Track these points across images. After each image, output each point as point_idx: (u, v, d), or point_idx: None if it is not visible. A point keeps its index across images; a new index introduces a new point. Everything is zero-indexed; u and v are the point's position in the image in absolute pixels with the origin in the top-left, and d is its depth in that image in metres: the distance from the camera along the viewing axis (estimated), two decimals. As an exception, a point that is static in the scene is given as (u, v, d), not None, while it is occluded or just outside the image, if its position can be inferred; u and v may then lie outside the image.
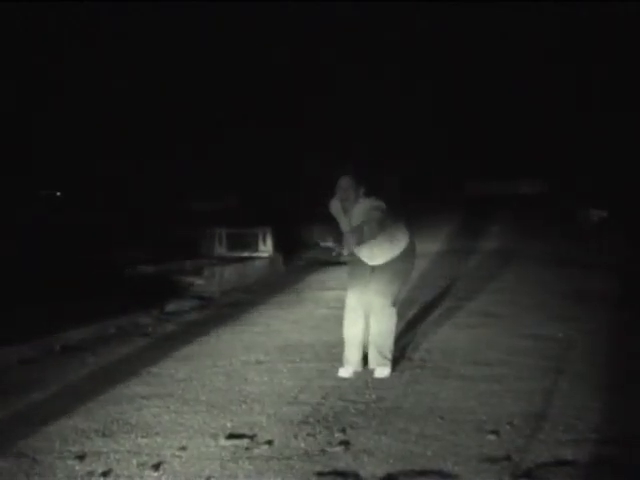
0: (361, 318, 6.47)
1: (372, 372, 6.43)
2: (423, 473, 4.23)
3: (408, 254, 6.55)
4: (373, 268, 6.50)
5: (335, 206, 6.56)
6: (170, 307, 10.25)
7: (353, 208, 6.34)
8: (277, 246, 14.93)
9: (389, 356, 6.44)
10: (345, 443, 4.72)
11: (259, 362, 6.84)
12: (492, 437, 4.73)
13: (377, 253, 6.43)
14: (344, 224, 6.47)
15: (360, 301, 6.48)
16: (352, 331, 6.49)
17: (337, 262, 13.59)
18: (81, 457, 4.66)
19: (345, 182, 6.35)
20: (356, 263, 6.59)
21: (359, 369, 6.49)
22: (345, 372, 6.47)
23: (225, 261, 14.19)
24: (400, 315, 6.87)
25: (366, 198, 6.32)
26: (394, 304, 6.49)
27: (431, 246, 15.55)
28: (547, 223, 18.51)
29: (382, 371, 6.38)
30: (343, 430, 4.97)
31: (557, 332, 7.56)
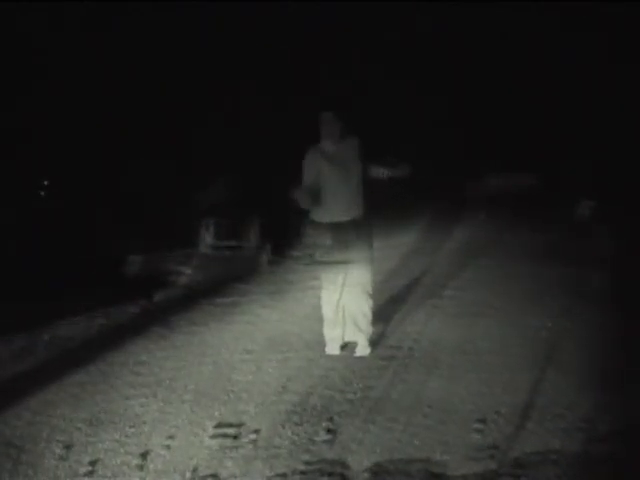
0: (339, 292, 6.53)
1: (353, 352, 6.59)
2: (411, 462, 4.24)
3: (369, 212, 6.61)
4: (344, 239, 6.47)
5: (314, 155, 6.51)
6: (158, 297, 10.22)
7: (337, 147, 6.42)
8: (267, 236, 14.91)
9: (370, 330, 6.61)
10: (333, 432, 4.72)
11: (247, 352, 6.83)
12: (480, 426, 4.74)
13: (351, 202, 6.45)
14: (326, 170, 6.43)
15: (338, 275, 6.52)
16: (334, 306, 6.59)
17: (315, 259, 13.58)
18: (69, 446, 4.66)
19: (327, 116, 6.40)
20: (326, 239, 6.58)
21: (343, 341, 6.66)
22: (333, 349, 6.63)
23: (214, 251, 14.18)
24: (389, 305, 6.90)
25: (347, 136, 6.43)
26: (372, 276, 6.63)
27: (419, 235, 15.56)
28: (541, 216, 18.53)
29: (364, 349, 6.55)
30: (331, 419, 4.98)
31: (547, 324, 7.56)
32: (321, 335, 7.17)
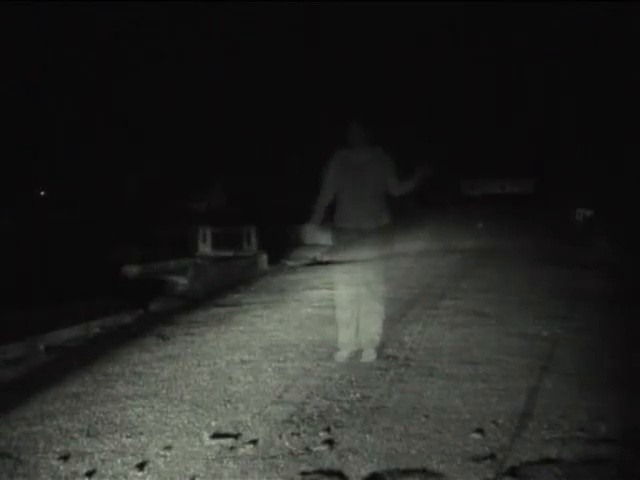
0: (355, 297, 6.61)
1: (359, 356, 6.66)
2: (408, 472, 4.23)
3: (390, 225, 6.78)
4: (348, 241, 6.65)
5: (335, 160, 6.73)
6: (154, 307, 10.23)
7: (362, 154, 6.61)
8: (262, 245, 14.95)
9: (378, 337, 6.72)
10: (330, 442, 4.71)
11: (243, 361, 6.82)
12: (477, 436, 4.73)
13: (366, 209, 6.61)
14: (344, 176, 6.63)
15: (348, 277, 6.63)
16: (348, 312, 6.69)
17: (321, 262, 13.62)
18: (65, 457, 4.64)
19: (354, 125, 6.63)
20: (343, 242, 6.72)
21: (354, 349, 6.72)
22: (341, 356, 6.66)
23: (209, 260, 14.20)
24: (385, 314, 6.91)
25: (374, 145, 6.68)
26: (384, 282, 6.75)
27: (418, 245, 15.60)
28: (538, 222, 18.57)
29: (370, 354, 6.62)
30: (328, 429, 4.97)
31: (544, 331, 7.58)
32: (316, 345, 7.19)
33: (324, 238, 14.98)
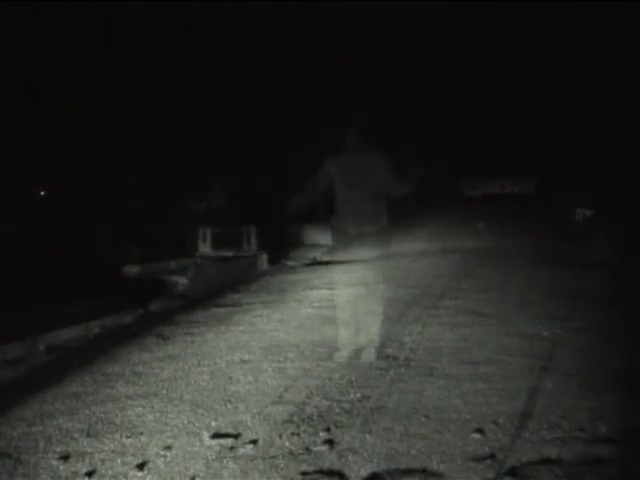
0: (354, 297, 6.63)
1: (359, 356, 6.66)
2: (408, 472, 4.23)
3: (388, 225, 6.82)
4: (348, 242, 6.70)
5: (329, 165, 6.77)
6: (154, 307, 10.23)
7: (355, 161, 6.62)
8: (262, 245, 14.95)
9: (378, 337, 6.73)
10: (330, 442, 4.71)
11: (243, 361, 6.82)
12: (477, 436, 4.73)
13: (363, 212, 6.63)
14: (339, 180, 6.66)
15: (352, 280, 6.65)
16: (347, 311, 6.70)
17: (321, 262, 13.62)
18: (65, 457, 4.64)
19: (349, 132, 6.70)
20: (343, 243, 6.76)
21: (354, 349, 6.72)
22: (341, 356, 6.67)
23: (209, 260, 14.19)
24: (385, 314, 6.91)
25: (376, 151, 6.68)
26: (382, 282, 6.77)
27: (418, 245, 15.59)
28: (538, 222, 18.56)
29: (370, 354, 6.62)
30: (328, 429, 4.97)
31: (543, 331, 7.58)
32: (316, 345, 7.19)
33: (324, 238, 15.01)
